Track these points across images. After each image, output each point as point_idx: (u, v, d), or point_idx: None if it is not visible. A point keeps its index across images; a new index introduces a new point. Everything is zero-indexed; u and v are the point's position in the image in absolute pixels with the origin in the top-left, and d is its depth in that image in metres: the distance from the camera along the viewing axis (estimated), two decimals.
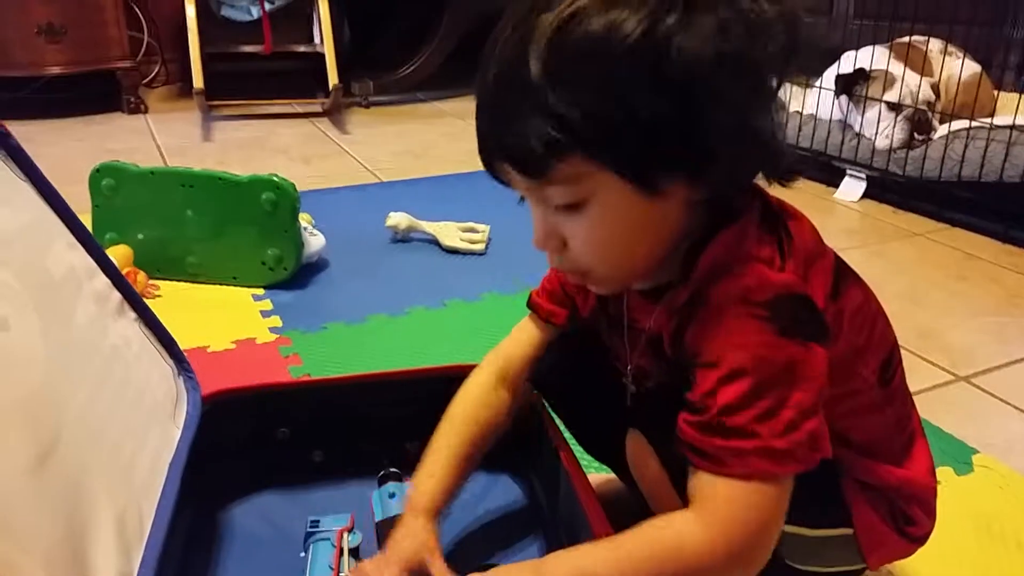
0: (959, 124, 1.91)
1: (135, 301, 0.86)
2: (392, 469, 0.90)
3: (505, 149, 0.56)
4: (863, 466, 0.66)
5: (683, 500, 0.58)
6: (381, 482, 0.88)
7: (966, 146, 1.83)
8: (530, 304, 0.80)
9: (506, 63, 0.55)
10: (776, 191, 0.62)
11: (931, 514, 0.71)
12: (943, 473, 1.00)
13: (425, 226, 1.69)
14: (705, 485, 0.56)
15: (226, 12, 2.81)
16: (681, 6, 0.51)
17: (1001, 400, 1.19)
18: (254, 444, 0.91)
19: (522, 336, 0.81)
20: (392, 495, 0.86)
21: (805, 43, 0.54)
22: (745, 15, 0.52)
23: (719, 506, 0.55)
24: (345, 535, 0.80)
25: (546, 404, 0.85)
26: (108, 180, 1.45)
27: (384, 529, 0.78)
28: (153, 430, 0.80)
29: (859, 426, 0.65)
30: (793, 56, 0.54)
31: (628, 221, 0.57)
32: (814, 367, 0.55)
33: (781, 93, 0.56)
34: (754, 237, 0.58)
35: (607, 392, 0.74)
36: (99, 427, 0.69)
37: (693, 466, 0.57)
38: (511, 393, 0.80)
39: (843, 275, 0.64)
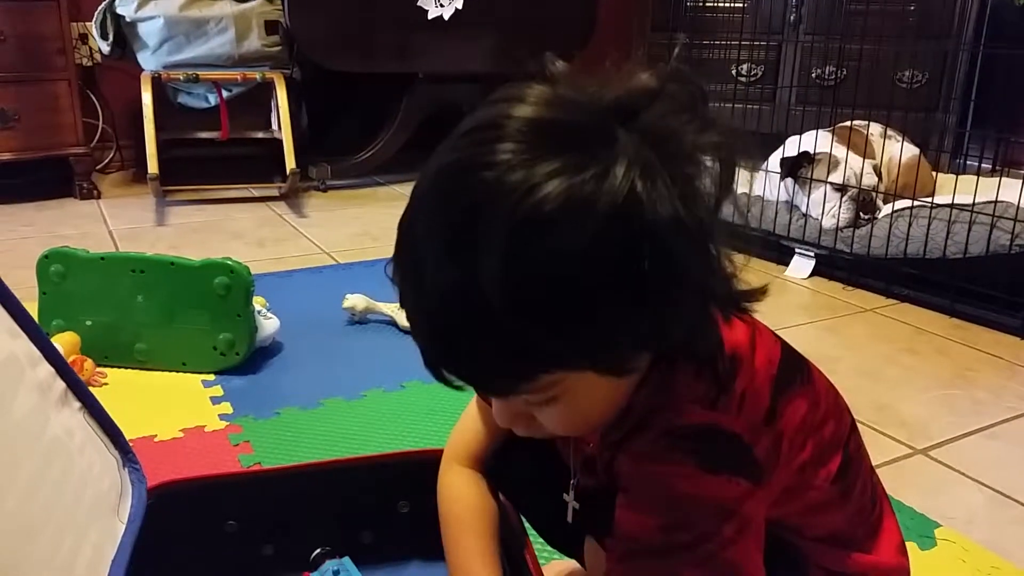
0: (902, 204, 1.98)
1: (80, 390, 0.83)
2: (327, 548, 0.87)
3: (461, 373, 0.51)
4: (824, 553, 0.65)
5: None
6: (316, 563, 0.85)
7: (910, 224, 1.89)
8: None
9: (451, 281, 0.46)
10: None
11: None
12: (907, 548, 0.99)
13: (383, 307, 1.67)
14: None
15: (183, 99, 2.83)
16: (625, 194, 0.45)
17: (959, 472, 1.19)
18: (201, 538, 0.87)
19: (475, 425, 0.76)
20: (336, 572, 0.83)
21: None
22: (687, 171, 0.48)
23: None
24: None
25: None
26: (56, 266, 1.42)
27: None
28: (95, 524, 0.76)
29: (816, 522, 0.64)
30: (727, 193, 0.50)
31: (601, 400, 0.55)
32: (738, 499, 0.53)
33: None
34: (690, 373, 0.55)
35: (562, 488, 0.72)
36: (35, 522, 0.66)
37: None
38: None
39: (783, 390, 0.59)
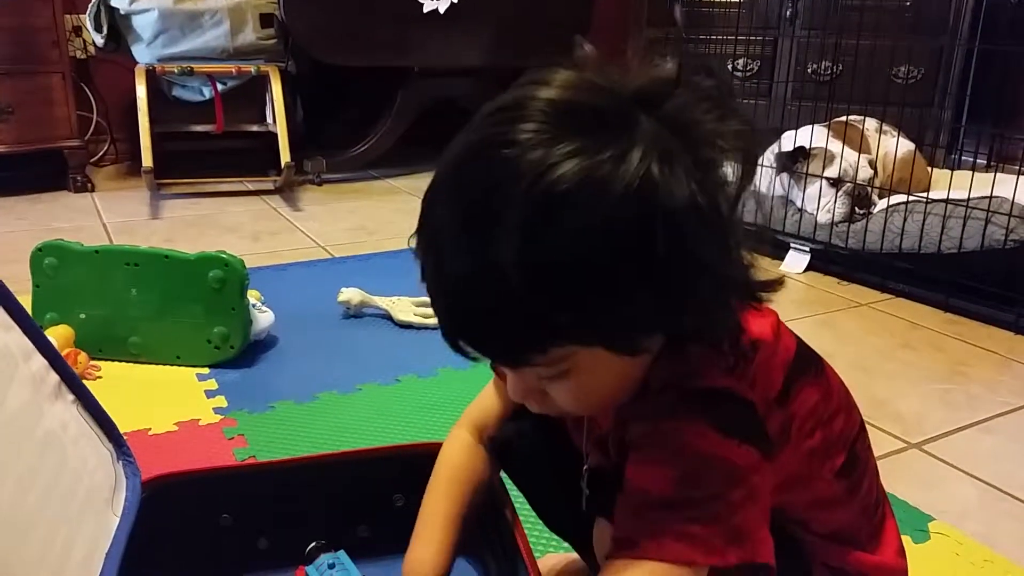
0: (897, 199, 1.98)
1: (73, 383, 0.83)
2: (322, 541, 0.86)
3: (479, 344, 0.52)
4: (830, 552, 0.65)
5: None
6: (311, 556, 0.85)
7: (905, 219, 1.89)
8: (493, 367, 0.78)
9: (472, 262, 0.48)
10: None
11: None
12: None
13: (378, 301, 1.67)
14: (618, 572, 0.52)
15: (178, 92, 2.82)
16: (640, 177, 0.46)
17: (953, 466, 1.20)
18: (196, 532, 0.87)
19: (491, 399, 0.79)
20: (332, 566, 0.82)
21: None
22: (707, 159, 0.49)
23: None
24: None
25: (504, 480, 0.83)
26: (50, 259, 1.41)
27: None
28: (89, 518, 0.75)
29: (822, 518, 0.65)
30: (748, 183, 0.51)
31: (613, 377, 0.56)
32: (748, 467, 0.53)
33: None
34: (706, 351, 0.56)
35: (570, 471, 0.72)
36: (29, 517, 0.66)
37: (612, 559, 0.53)
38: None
39: (796, 377, 0.61)
